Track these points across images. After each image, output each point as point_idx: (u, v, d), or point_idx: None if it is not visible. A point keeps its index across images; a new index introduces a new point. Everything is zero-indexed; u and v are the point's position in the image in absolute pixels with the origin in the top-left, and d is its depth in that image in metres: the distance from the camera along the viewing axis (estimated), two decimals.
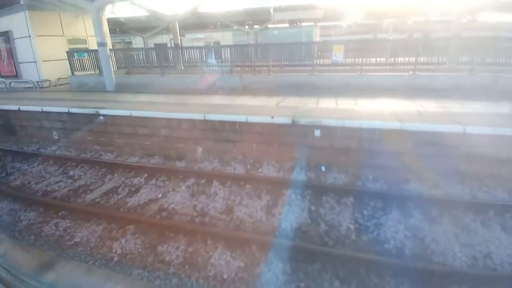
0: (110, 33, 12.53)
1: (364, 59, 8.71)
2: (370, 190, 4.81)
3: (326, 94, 7.69)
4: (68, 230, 4.14)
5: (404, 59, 8.82)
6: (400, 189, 4.84)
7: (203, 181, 5.30)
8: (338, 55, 8.83)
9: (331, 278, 3.12)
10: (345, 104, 6.69)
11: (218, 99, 7.81)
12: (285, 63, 9.90)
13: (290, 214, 4.26)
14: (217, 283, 3.07)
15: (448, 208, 4.20)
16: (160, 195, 4.95)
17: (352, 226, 3.96)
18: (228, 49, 10.32)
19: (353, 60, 8.91)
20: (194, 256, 3.47)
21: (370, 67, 8.92)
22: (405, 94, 7.28)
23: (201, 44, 19.63)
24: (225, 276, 3.15)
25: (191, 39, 21.55)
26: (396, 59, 8.99)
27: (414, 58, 8.32)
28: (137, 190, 5.16)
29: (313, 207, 4.40)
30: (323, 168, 5.57)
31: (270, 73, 9.42)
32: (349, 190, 4.75)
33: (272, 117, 5.78)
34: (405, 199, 4.46)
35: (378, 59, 8.97)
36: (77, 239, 3.93)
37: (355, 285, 3.03)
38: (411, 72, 8.23)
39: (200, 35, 21.97)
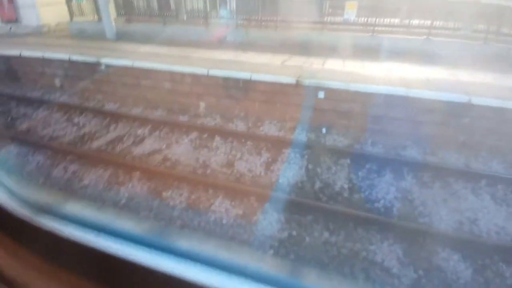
0: None
1: (377, 19, 8.27)
2: (368, 153, 4.95)
3: (334, 55, 7.46)
4: (77, 174, 4.36)
5: (419, 22, 8.38)
6: (396, 154, 4.98)
7: (206, 135, 5.42)
8: (350, 12, 8.37)
9: (322, 229, 3.39)
10: (353, 66, 6.54)
11: (222, 54, 7.59)
12: (294, 19, 9.40)
13: (288, 171, 4.45)
14: (217, 227, 3.35)
15: (441, 175, 4.37)
16: (164, 146, 5.10)
17: (346, 185, 4.17)
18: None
19: (365, 19, 8.46)
20: (196, 203, 3.72)
21: (383, 28, 8.50)
22: (416, 59, 7.06)
23: None
24: (224, 222, 3.42)
25: None
26: (411, 21, 8.54)
27: (429, 21, 7.90)
28: (141, 141, 5.31)
29: (310, 166, 4.58)
30: (324, 130, 5.65)
31: (278, 29, 9.01)
32: (347, 153, 4.89)
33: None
34: (400, 163, 4.62)
35: (392, 20, 8.52)
36: (85, 182, 4.17)
37: (343, 236, 3.30)
38: (425, 37, 7.88)
39: None
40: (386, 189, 4.12)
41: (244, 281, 0.63)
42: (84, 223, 0.79)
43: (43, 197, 0.99)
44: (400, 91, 5.14)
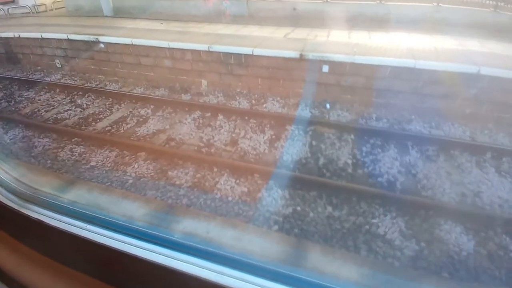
0: None
1: None
2: (372, 128, 4.91)
3: (339, 25, 7.17)
4: (83, 155, 4.43)
5: None
6: (401, 128, 4.93)
7: (209, 114, 5.40)
8: None
9: (325, 204, 3.45)
10: (358, 37, 6.30)
11: (222, 28, 7.35)
12: None
13: (292, 148, 4.46)
14: (222, 204, 3.44)
15: (446, 148, 4.34)
16: (167, 126, 5.11)
17: (349, 161, 4.18)
18: None
19: None
20: (202, 181, 3.79)
21: None
22: (425, 28, 6.76)
23: None
24: (230, 199, 3.50)
25: None
26: None
27: None
28: (145, 121, 5.32)
29: (314, 142, 4.58)
30: (327, 106, 5.57)
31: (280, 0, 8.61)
32: (351, 128, 4.85)
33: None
34: (405, 137, 4.58)
35: None
36: (92, 163, 4.24)
37: (346, 211, 3.37)
38: (435, 4, 7.47)
39: None
40: (390, 164, 4.12)
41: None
42: (73, 213, 0.79)
43: (37, 184, 0.97)
44: (407, 62, 4.98)
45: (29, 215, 0.80)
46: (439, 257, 2.95)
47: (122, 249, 0.69)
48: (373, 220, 3.27)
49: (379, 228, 3.19)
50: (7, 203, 0.83)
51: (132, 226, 0.79)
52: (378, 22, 7.37)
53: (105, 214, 0.85)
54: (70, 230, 0.75)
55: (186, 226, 1.40)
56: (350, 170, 4.03)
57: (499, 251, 3.00)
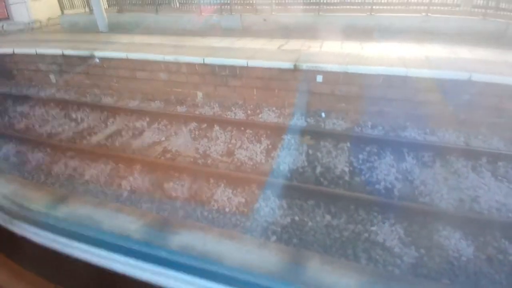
0: None
1: None
2: (367, 136, 4.94)
3: (331, 37, 7.31)
4: (78, 170, 4.38)
5: None
6: (396, 135, 4.96)
7: (205, 125, 5.40)
8: None
9: (323, 213, 3.43)
10: (351, 48, 6.42)
11: (217, 41, 7.45)
12: (289, 1, 9.16)
13: (289, 157, 4.45)
14: (220, 215, 3.39)
15: (441, 154, 4.37)
16: (163, 138, 5.09)
17: (346, 169, 4.18)
18: None
19: None
20: (198, 193, 3.75)
21: (381, 7, 8.28)
22: (415, 38, 6.93)
23: None
24: (227, 210, 3.46)
25: None
26: None
27: None
28: (140, 133, 5.29)
29: (310, 151, 4.58)
30: (323, 115, 5.61)
31: (273, 13, 8.80)
32: (347, 136, 4.87)
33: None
34: (400, 144, 4.61)
35: None
36: (87, 178, 4.19)
37: (345, 219, 3.34)
38: (424, 14, 7.68)
39: None
40: (386, 171, 4.13)
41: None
42: (63, 230, 0.77)
43: (27, 200, 0.94)
44: (399, 71, 5.06)
45: (15, 232, 0.77)
46: (439, 263, 2.92)
47: (116, 269, 0.66)
48: (372, 228, 3.24)
49: (378, 236, 3.16)
50: None
51: (126, 243, 0.76)
52: (369, 33, 7.54)
53: (98, 231, 0.82)
54: (58, 248, 0.72)
55: (182, 239, 1.36)
56: (347, 178, 4.02)
57: (498, 255, 2.98)
